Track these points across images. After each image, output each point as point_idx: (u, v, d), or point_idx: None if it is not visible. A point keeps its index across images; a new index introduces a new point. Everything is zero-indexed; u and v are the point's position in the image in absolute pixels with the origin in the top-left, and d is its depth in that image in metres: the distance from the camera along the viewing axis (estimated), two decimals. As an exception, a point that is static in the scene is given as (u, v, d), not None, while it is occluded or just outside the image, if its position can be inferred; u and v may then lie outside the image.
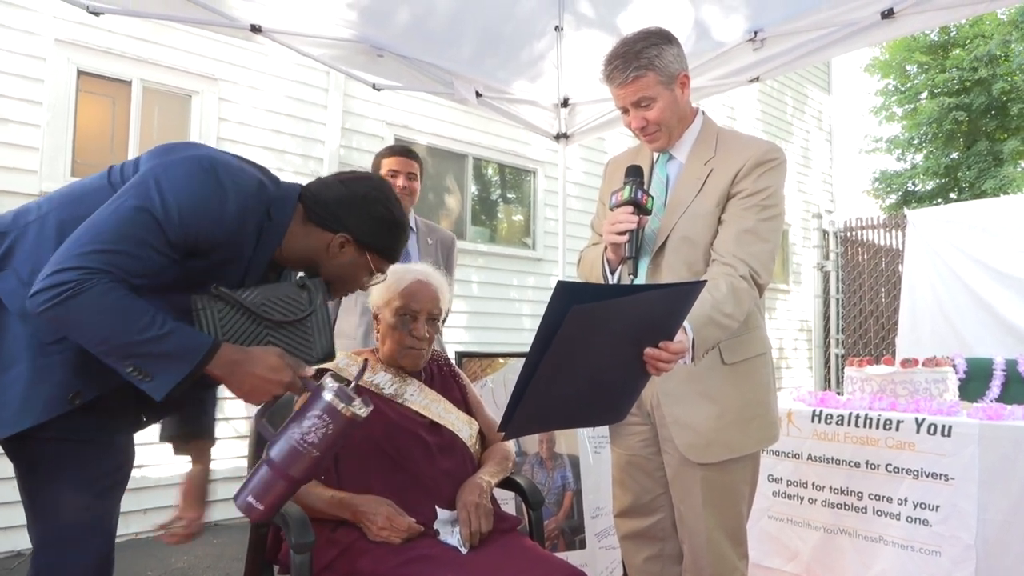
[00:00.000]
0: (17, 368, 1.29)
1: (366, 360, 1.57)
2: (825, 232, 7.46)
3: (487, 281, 6.14)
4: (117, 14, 2.75)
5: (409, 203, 2.88)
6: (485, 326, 5.97)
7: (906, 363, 3.04)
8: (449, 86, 3.40)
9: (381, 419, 1.78)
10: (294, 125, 5.03)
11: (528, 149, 6.47)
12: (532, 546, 1.77)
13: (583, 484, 2.94)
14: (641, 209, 1.69)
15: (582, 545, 2.88)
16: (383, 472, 1.75)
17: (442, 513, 1.73)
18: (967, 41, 14.36)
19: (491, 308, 6.12)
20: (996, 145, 14.24)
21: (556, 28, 3.38)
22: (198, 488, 1.59)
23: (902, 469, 2.55)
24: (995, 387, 3.84)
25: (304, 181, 1.56)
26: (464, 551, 1.65)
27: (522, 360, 1.33)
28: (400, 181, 2.82)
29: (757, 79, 3.12)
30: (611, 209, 1.73)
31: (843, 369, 4.36)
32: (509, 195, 6.68)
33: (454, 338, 5.48)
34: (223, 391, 1.44)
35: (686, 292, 1.43)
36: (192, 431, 1.60)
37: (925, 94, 15.04)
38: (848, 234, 7.51)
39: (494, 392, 2.85)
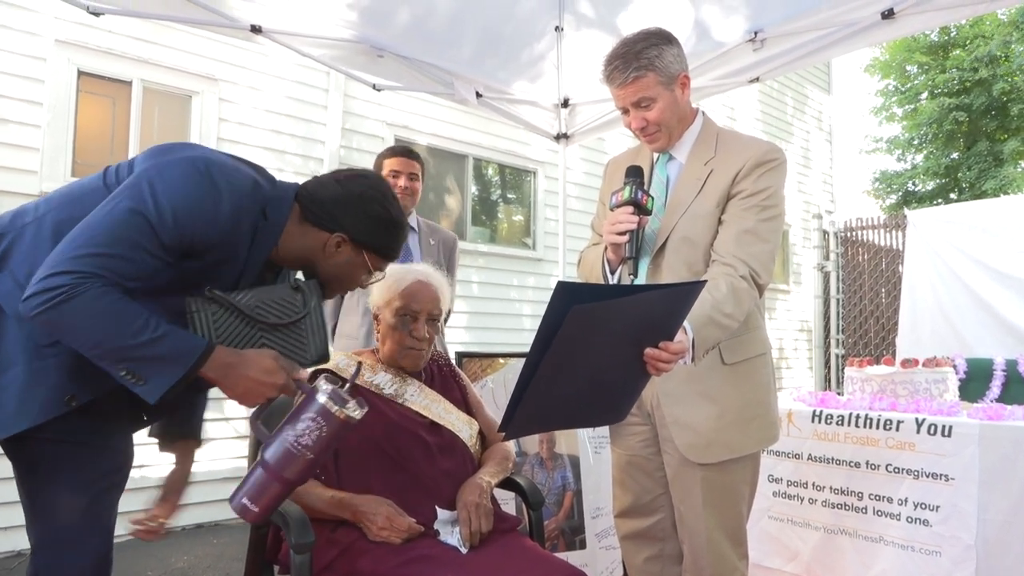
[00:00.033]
0: (13, 370, 1.29)
1: (360, 363, 1.57)
2: (825, 232, 7.46)
3: (487, 281, 6.14)
4: (117, 14, 2.75)
5: (411, 204, 2.88)
6: (485, 326, 5.97)
7: (906, 363, 3.04)
8: (449, 86, 3.40)
9: (381, 419, 1.78)
10: (294, 125, 5.03)
11: (528, 149, 6.47)
12: (532, 546, 1.77)
13: (583, 484, 2.94)
14: (641, 209, 1.69)
15: (582, 545, 2.88)
16: (383, 472, 1.75)
17: (442, 513, 1.73)
18: (967, 41, 14.37)
19: (491, 308, 6.12)
20: (996, 145, 14.24)
21: (556, 28, 3.38)
22: (177, 488, 1.58)
23: (902, 469, 2.55)
24: (995, 387, 3.85)
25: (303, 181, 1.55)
26: (464, 551, 1.65)
27: (522, 360, 1.33)
28: (402, 181, 2.83)
29: (757, 79, 3.12)
30: (611, 209, 1.73)
31: (843, 369, 4.36)
32: (509, 195, 6.68)
33: (454, 338, 5.48)
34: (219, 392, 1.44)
35: (686, 292, 1.43)
36: (180, 432, 1.60)
37: (925, 94, 15.05)
38: (848, 234, 7.51)
39: (494, 392, 2.85)
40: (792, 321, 9.38)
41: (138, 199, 1.27)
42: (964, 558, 2.37)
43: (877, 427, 2.64)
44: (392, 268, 1.91)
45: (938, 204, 13.96)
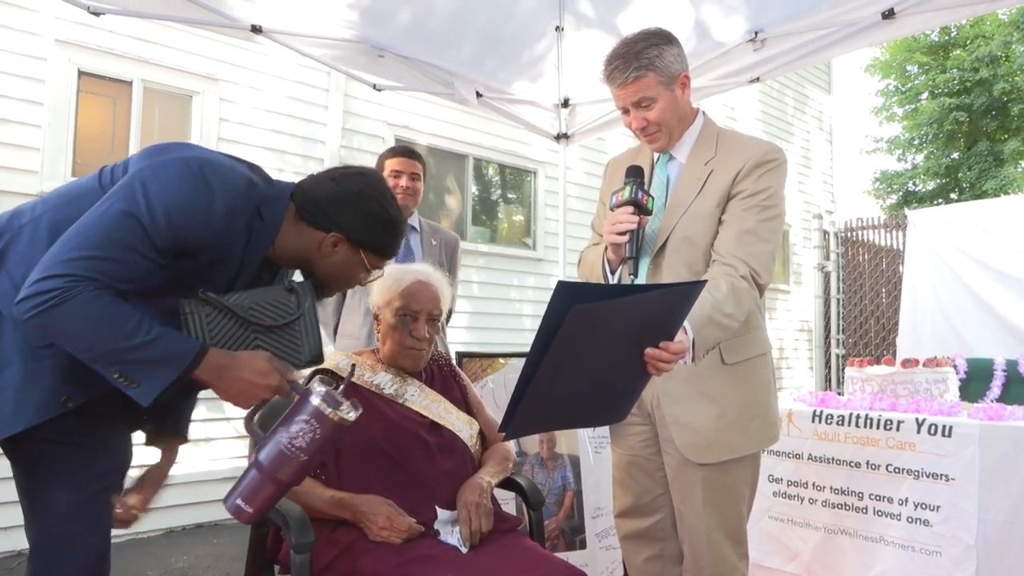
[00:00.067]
0: (10, 371, 1.29)
1: (354, 365, 1.56)
2: (826, 232, 7.46)
3: (487, 281, 6.14)
4: (118, 14, 2.75)
5: (412, 203, 2.89)
6: (485, 326, 5.97)
7: (907, 363, 3.04)
8: (449, 86, 3.40)
9: (381, 419, 1.78)
10: (295, 125, 5.03)
11: (528, 149, 6.47)
12: (532, 546, 1.77)
13: (583, 484, 2.94)
14: (641, 209, 1.69)
15: (582, 545, 2.88)
16: (383, 472, 1.75)
17: (442, 513, 1.73)
18: (968, 41, 14.37)
19: (491, 308, 6.12)
20: (997, 145, 14.25)
21: (556, 28, 3.38)
22: (155, 481, 1.57)
23: (903, 469, 2.55)
24: (996, 387, 3.85)
25: (302, 181, 1.54)
26: (464, 551, 1.65)
27: (522, 360, 1.33)
28: (404, 182, 2.83)
29: (757, 79, 3.11)
30: (611, 209, 1.73)
31: (843, 369, 4.36)
32: (509, 195, 6.68)
33: (455, 338, 5.48)
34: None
35: (686, 292, 1.43)
36: (169, 431, 1.60)
37: (926, 94, 15.05)
38: (849, 234, 7.51)
39: (494, 392, 2.85)
40: (792, 321, 9.38)
41: (131, 201, 1.27)
42: (964, 558, 2.37)
43: (877, 427, 2.64)
44: (392, 268, 1.91)
45: (938, 204, 13.97)
